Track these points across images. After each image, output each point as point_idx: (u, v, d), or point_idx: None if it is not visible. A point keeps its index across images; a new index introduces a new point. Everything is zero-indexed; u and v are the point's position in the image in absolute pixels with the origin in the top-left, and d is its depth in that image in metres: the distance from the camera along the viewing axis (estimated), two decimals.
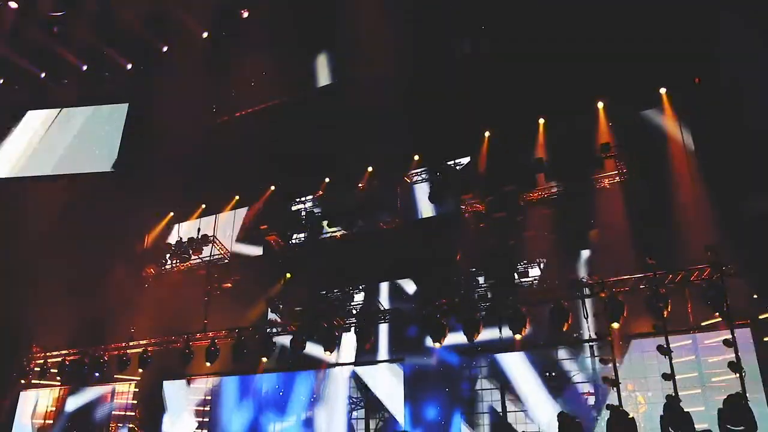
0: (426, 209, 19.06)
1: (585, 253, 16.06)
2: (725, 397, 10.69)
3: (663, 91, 15.82)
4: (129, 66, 22.37)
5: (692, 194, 14.47)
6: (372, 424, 17.37)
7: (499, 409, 15.52)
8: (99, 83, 22.53)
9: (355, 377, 18.08)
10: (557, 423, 12.34)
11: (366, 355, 17.79)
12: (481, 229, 17.64)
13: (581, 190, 16.34)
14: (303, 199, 21.26)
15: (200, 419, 19.81)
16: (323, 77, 21.22)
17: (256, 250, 21.64)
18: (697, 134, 15.08)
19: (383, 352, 18.00)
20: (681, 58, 15.17)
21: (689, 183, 14.54)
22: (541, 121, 17.38)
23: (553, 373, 14.16)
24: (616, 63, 15.72)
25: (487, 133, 18.19)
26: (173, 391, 20.17)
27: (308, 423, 17.99)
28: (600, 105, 16.59)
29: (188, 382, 20.07)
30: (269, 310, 20.10)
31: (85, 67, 22.13)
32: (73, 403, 21.58)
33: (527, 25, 17.76)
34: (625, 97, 15.96)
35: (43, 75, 22.22)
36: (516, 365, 15.73)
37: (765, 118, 12.71)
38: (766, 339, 12.20)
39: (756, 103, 12.73)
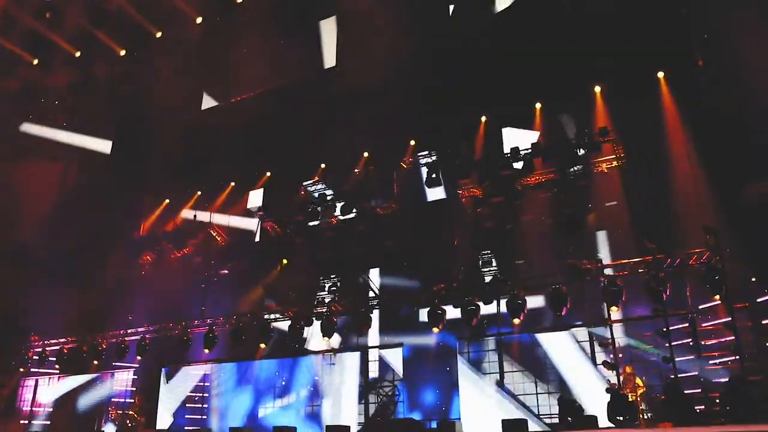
0: (424, 195, 19.04)
1: (583, 238, 16.11)
2: (724, 379, 10.78)
3: (661, 75, 15.83)
4: (122, 52, 22.12)
5: (691, 178, 14.52)
6: (372, 409, 17.42)
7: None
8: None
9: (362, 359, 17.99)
10: (558, 406, 12.47)
11: (364, 339, 17.85)
12: (478, 214, 17.68)
13: (579, 174, 16.34)
14: (300, 184, 21.28)
15: (198, 405, 19.81)
16: (320, 62, 21.04)
17: (253, 237, 21.63)
18: (695, 118, 15.08)
19: (384, 337, 18.06)
20: (679, 42, 15.16)
21: (687, 167, 14.57)
22: (538, 105, 17.38)
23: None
24: (613, 47, 15.73)
25: (483, 118, 18.19)
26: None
27: (309, 406, 17.99)
28: (597, 89, 16.58)
29: (167, 378, 19.91)
30: (266, 296, 20.16)
31: (78, 54, 21.88)
32: (70, 391, 21.53)
33: (525, 10, 17.69)
34: (623, 81, 15.96)
35: (35, 62, 21.97)
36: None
37: (764, 103, 12.69)
38: (765, 322, 12.28)
39: (756, 87, 12.70)
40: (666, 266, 12.98)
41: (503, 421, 12.11)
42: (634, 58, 15.49)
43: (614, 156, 15.87)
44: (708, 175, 14.27)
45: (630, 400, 11.62)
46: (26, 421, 21.00)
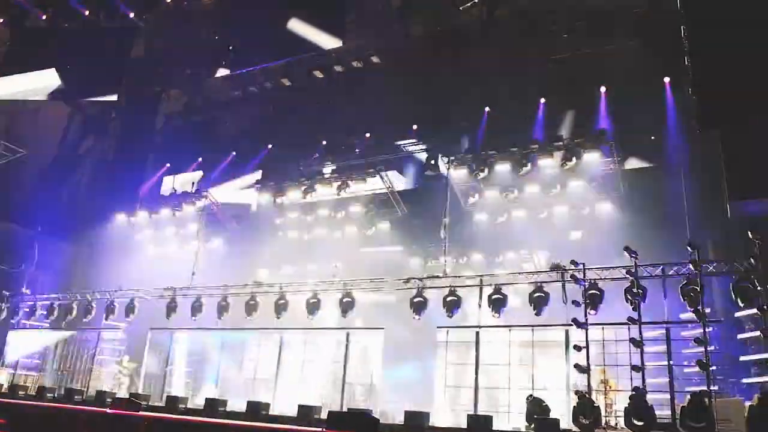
0: (420, 179, 19.14)
1: (572, 238, 16.10)
2: (690, 392, 10.83)
3: (666, 80, 15.72)
4: (131, 14, 22.08)
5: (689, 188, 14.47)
6: None
7: None
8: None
9: None
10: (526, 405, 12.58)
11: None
12: (471, 205, 17.71)
13: (575, 171, 16.26)
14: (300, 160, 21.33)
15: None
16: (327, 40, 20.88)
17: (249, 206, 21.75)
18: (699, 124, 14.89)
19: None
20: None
21: (682, 176, 14.51)
22: (542, 100, 17.31)
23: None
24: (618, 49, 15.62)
25: (487, 109, 18.14)
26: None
27: None
28: (603, 89, 16.48)
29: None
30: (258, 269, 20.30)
31: (87, 12, 21.86)
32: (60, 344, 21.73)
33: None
34: (627, 82, 15.84)
35: (44, 17, 21.98)
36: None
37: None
38: (739, 337, 12.26)
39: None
40: (647, 275, 12.94)
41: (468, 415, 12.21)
42: (640, 61, 15.37)
43: (611, 159, 15.78)
44: (702, 188, 14.23)
45: (596, 405, 11.66)
46: (13, 371, 21.29)
